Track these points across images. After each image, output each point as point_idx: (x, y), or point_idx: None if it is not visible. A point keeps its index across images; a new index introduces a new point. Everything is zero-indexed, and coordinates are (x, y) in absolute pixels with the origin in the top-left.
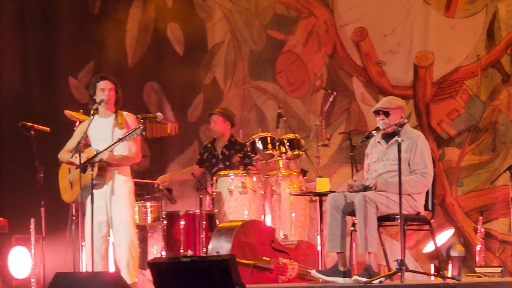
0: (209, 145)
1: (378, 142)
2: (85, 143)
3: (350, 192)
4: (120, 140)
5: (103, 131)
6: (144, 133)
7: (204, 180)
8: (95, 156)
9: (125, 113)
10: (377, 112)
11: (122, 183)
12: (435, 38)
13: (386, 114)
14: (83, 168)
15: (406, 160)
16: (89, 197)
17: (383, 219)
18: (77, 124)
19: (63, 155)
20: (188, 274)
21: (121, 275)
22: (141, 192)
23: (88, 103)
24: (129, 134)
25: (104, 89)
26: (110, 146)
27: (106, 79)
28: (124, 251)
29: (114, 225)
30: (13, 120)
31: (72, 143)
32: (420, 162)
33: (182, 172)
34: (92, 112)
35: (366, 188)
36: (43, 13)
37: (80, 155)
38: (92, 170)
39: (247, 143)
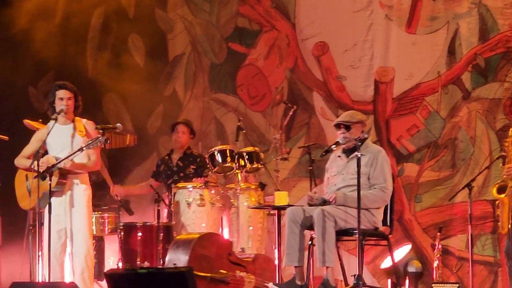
0: (166, 157)
1: (339, 156)
2: (42, 151)
3: (309, 204)
4: (82, 148)
5: (63, 138)
6: (108, 142)
7: (162, 192)
8: (55, 165)
9: (84, 120)
10: (338, 126)
11: (81, 192)
12: (396, 54)
13: (347, 128)
14: (42, 176)
15: (365, 175)
16: (47, 205)
17: (341, 234)
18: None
19: (20, 161)
20: (145, 286)
21: (76, 285)
22: (99, 203)
23: (47, 109)
24: (93, 142)
25: (62, 99)
26: (72, 154)
27: (65, 88)
28: (80, 260)
29: (72, 234)
30: None
31: (29, 149)
32: (379, 176)
33: (138, 187)
34: (52, 122)
35: (325, 202)
36: (4, 22)
37: (38, 163)
38: (51, 179)
39: (203, 155)
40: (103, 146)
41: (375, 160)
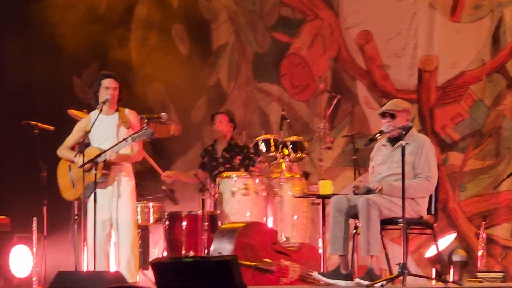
0: (210, 148)
1: (384, 145)
2: (87, 141)
3: (355, 193)
4: (126, 139)
5: (107, 129)
6: (154, 136)
7: (206, 181)
8: (99, 155)
9: (126, 110)
10: (383, 114)
11: (125, 182)
12: (440, 42)
13: (392, 116)
14: (88, 170)
15: (410, 164)
16: (92, 195)
17: (386, 223)
18: None
19: (64, 152)
20: (190, 275)
21: (122, 274)
22: (144, 192)
23: (91, 98)
24: (138, 136)
25: (108, 88)
26: (115, 146)
27: (111, 77)
28: (126, 250)
29: (118, 224)
30: (17, 118)
31: (71, 139)
32: (425, 166)
33: (186, 174)
34: (98, 112)
35: (370, 191)
36: (47, 12)
37: (83, 155)
38: (96, 169)
39: (248, 145)
40: (149, 140)
41: (420, 149)
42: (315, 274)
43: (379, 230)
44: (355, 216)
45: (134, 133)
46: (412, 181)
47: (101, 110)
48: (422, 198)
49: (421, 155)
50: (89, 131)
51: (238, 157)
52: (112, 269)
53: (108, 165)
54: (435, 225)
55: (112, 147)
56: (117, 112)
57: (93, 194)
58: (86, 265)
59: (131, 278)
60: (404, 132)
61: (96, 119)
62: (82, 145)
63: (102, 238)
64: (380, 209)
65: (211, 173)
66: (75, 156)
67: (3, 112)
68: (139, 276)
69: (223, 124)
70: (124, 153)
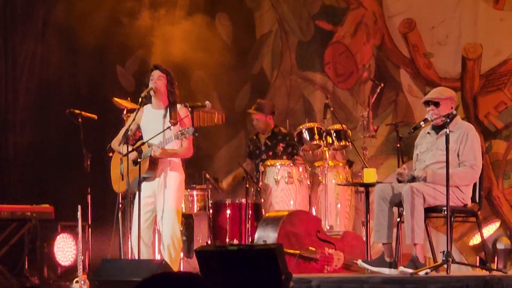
0: (254, 138)
1: (428, 133)
2: (134, 136)
3: (399, 180)
4: (163, 131)
5: (155, 123)
6: (196, 134)
7: (250, 170)
8: (141, 144)
9: (178, 106)
10: (427, 103)
11: (172, 177)
12: (483, 30)
13: (436, 104)
14: (134, 161)
15: (455, 151)
16: (137, 187)
17: (430, 211)
18: (124, 112)
19: (115, 144)
20: (235, 263)
21: (167, 262)
22: (188, 181)
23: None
24: (180, 133)
25: (152, 78)
26: (151, 139)
27: (156, 68)
28: (166, 238)
29: (163, 213)
30: (61, 107)
31: (121, 132)
32: (469, 154)
33: (234, 176)
34: (140, 100)
35: (414, 178)
36: (91, 1)
37: (128, 145)
38: (140, 159)
39: (292, 133)
40: (186, 138)
41: (465, 137)
42: (359, 262)
43: (423, 218)
44: (399, 204)
45: (178, 131)
46: (457, 169)
47: (145, 98)
48: (466, 186)
49: (466, 143)
50: (132, 122)
51: (281, 145)
52: (157, 257)
53: (153, 160)
54: (479, 213)
55: (150, 139)
56: (167, 107)
57: (138, 186)
58: (130, 254)
59: (172, 266)
60: (448, 120)
61: (145, 112)
62: (126, 134)
63: (147, 226)
64: (424, 197)
65: (254, 162)
66: (119, 145)
67: (47, 101)
68: (183, 265)
69: (260, 121)
70: (172, 149)
